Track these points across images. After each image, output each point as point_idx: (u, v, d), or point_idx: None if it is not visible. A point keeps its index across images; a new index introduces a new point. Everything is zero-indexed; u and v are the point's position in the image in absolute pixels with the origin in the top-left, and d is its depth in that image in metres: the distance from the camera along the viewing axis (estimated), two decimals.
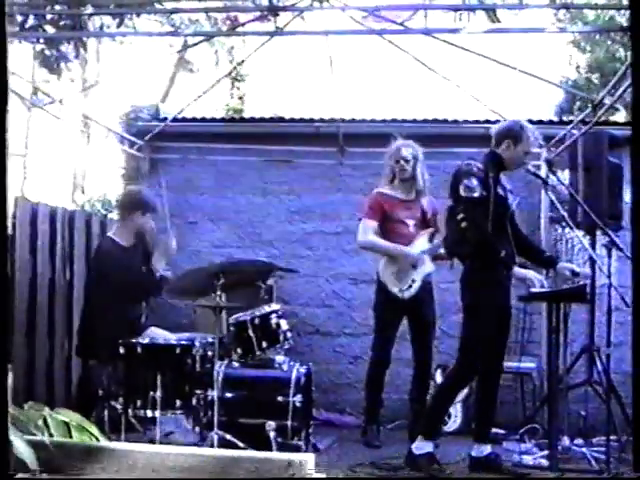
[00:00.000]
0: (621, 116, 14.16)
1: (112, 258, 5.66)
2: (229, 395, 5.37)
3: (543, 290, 5.41)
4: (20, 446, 2.68)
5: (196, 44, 9.41)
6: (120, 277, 5.53)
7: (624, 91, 6.20)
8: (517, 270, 5.12)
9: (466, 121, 7.81)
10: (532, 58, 14.35)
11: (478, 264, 5.14)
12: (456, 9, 5.99)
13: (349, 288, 7.75)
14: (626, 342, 7.09)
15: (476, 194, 5.06)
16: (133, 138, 7.84)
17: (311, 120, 7.96)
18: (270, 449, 5.14)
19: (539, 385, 6.89)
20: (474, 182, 5.07)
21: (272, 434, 5.22)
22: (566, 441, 5.72)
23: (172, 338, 5.57)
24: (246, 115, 11.03)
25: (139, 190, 6.31)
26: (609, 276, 5.43)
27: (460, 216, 5.10)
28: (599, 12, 12.43)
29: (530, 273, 5.14)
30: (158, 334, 5.68)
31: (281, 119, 8.21)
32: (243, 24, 7.03)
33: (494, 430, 5.65)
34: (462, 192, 5.10)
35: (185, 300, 6.62)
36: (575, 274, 5.32)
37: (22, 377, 5.86)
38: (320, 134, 7.73)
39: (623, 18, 12.40)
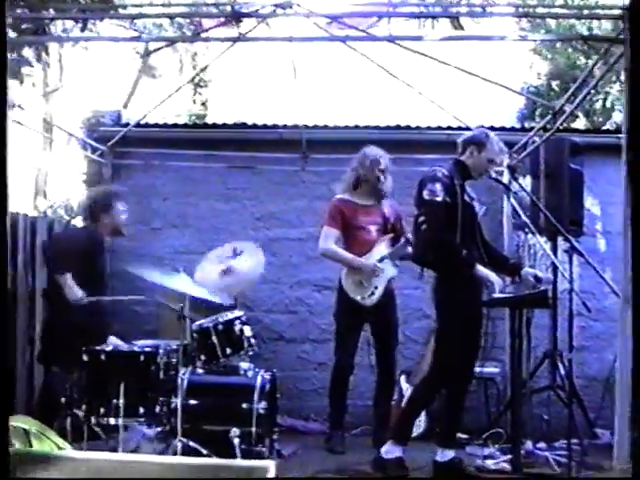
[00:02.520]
0: (581, 123, 14.34)
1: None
2: (193, 402, 5.33)
3: (505, 295, 5.45)
4: None
5: (159, 49, 9.38)
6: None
7: (583, 98, 6.29)
8: (479, 269, 5.14)
9: (429, 128, 7.85)
10: (495, 65, 14.50)
11: (446, 270, 5.18)
12: (419, 17, 6.02)
13: (313, 295, 7.75)
14: (588, 347, 7.23)
15: (439, 198, 5.09)
16: (95, 144, 7.78)
17: (274, 126, 7.96)
18: (234, 456, 5.12)
19: (503, 390, 6.94)
20: (438, 187, 5.11)
21: (236, 441, 5.19)
22: (529, 445, 5.77)
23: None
24: (209, 121, 11.00)
25: (100, 191, 6.29)
26: (571, 281, 5.49)
27: (421, 219, 5.14)
28: (560, 21, 12.57)
29: (491, 275, 5.17)
30: (118, 343, 5.63)
31: (244, 125, 8.19)
32: (207, 30, 7.01)
33: (458, 435, 5.68)
34: (425, 196, 5.14)
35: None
36: (538, 279, 5.36)
37: None
38: (283, 140, 7.73)
39: (583, 27, 12.58)
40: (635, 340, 2.72)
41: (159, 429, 5.23)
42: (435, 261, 5.21)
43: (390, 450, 5.20)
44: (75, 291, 5.55)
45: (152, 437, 5.20)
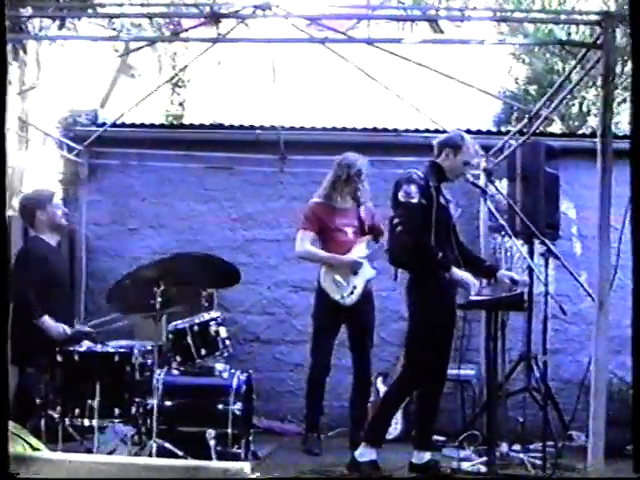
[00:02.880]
0: (557, 127, 14.42)
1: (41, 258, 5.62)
2: (168, 403, 5.31)
3: (481, 298, 5.47)
4: None
5: (138, 49, 9.33)
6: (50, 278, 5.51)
7: (560, 102, 6.32)
8: (455, 271, 5.16)
9: (406, 130, 7.86)
10: (473, 69, 14.54)
11: (420, 272, 5.19)
12: (399, 20, 6.04)
13: (290, 295, 7.74)
14: (562, 349, 7.27)
15: (414, 200, 5.11)
16: (72, 143, 7.73)
17: (252, 127, 7.94)
18: (210, 457, 5.11)
19: (478, 392, 6.96)
20: (413, 189, 5.13)
21: (212, 442, 5.18)
22: (504, 447, 5.80)
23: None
24: (186, 121, 10.96)
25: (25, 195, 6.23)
26: (546, 284, 5.52)
27: (396, 220, 5.15)
28: (538, 26, 12.65)
29: (467, 277, 5.19)
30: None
31: (221, 126, 8.17)
32: (186, 30, 6.99)
33: (434, 437, 5.70)
34: (401, 198, 5.15)
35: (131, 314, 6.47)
36: (514, 282, 5.39)
37: None
38: (261, 141, 7.72)
39: (561, 32, 12.66)
40: (635, 338, 2.73)
41: (134, 430, 5.21)
42: (410, 262, 5.22)
43: (364, 453, 5.21)
44: (54, 329, 5.50)
45: (127, 438, 5.17)
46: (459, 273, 5.17)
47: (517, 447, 5.94)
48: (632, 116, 2.87)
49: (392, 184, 5.38)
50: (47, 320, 5.49)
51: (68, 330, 5.54)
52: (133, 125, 8.06)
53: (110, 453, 4.99)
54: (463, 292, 5.37)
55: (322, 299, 6.20)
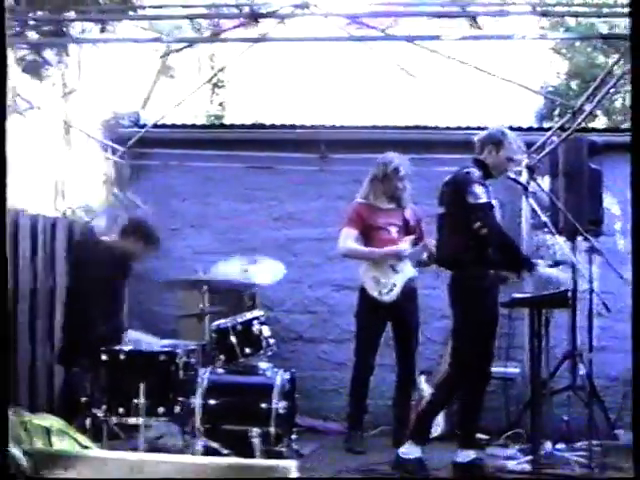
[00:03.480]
0: (600, 122, 14.26)
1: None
2: (213, 402, 5.35)
3: (525, 295, 5.44)
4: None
5: (179, 50, 9.41)
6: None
7: (602, 97, 6.25)
8: (541, 268, 5.16)
9: (447, 128, 7.83)
10: (513, 65, 14.45)
11: (470, 271, 5.17)
12: (437, 16, 6.01)
13: (332, 294, 7.75)
14: (608, 347, 7.19)
15: (483, 200, 5.10)
16: (114, 145, 7.81)
17: (292, 126, 7.96)
18: (253, 456, 5.13)
19: (522, 390, 6.91)
20: (478, 189, 5.11)
21: (255, 440, 5.20)
22: (549, 446, 5.75)
23: (151, 341, 5.56)
24: (227, 122, 11.02)
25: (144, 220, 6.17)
26: (590, 281, 5.47)
27: (477, 224, 5.10)
28: (580, 19, 12.51)
29: (557, 273, 5.19)
30: (138, 337, 5.64)
31: (262, 126, 8.20)
32: (225, 30, 7.03)
33: (478, 435, 5.67)
34: (470, 200, 5.10)
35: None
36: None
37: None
38: (301, 140, 7.73)
39: (603, 26, 12.51)
40: (635, 338, 2.70)
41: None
42: (468, 262, 5.18)
43: (409, 450, 5.20)
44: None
45: (175, 431, 5.20)
46: (548, 270, 5.17)
47: (562, 446, 5.89)
48: (632, 114, 2.83)
49: (432, 182, 5.37)
50: (132, 333, 5.58)
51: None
52: (174, 126, 8.13)
53: (158, 439, 5.03)
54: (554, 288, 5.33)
55: (362, 297, 6.21)
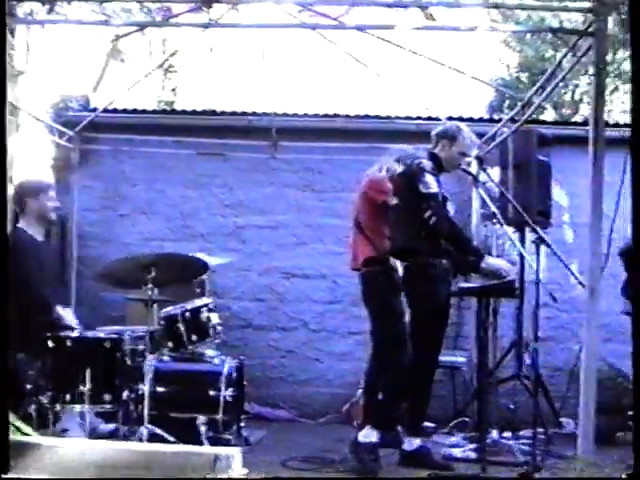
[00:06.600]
0: (550, 115, 14.42)
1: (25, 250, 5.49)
2: (160, 389, 5.32)
3: (472, 285, 5.47)
4: None
5: (128, 34, 9.28)
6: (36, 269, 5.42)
7: (552, 90, 6.32)
8: (488, 258, 5.19)
9: (398, 117, 7.85)
10: (466, 56, 14.52)
11: (423, 260, 5.19)
12: (390, 6, 6.01)
13: (282, 282, 7.74)
14: (554, 337, 7.29)
15: (434, 190, 5.13)
16: (63, 128, 7.70)
17: (244, 113, 7.93)
18: (201, 443, 5.12)
19: (469, 379, 6.97)
20: (429, 178, 5.14)
21: (203, 428, 5.19)
22: (495, 434, 5.81)
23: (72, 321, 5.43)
24: (178, 107, 10.92)
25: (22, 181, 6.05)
26: (537, 272, 5.53)
27: (428, 213, 5.11)
28: (530, 13, 12.62)
29: (502, 263, 5.22)
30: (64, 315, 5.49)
31: (213, 112, 8.15)
32: (176, 15, 6.95)
33: (425, 423, 5.70)
34: (422, 189, 5.13)
35: (116, 290, 6.45)
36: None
37: None
38: (253, 128, 7.70)
39: (554, 19, 12.65)
40: (635, 338, 2.75)
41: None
42: (422, 252, 5.19)
43: (367, 434, 5.20)
44: (69, 319, 5.43)
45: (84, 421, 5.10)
46: (493, 261, 5.20)
47: (507, 434, 5.96)
48: (632, 114, 2.87)
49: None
50: (59, 310, 5.44)
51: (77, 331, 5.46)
52: (125, 111, 8.04)
53: (63, 431, 4.95)
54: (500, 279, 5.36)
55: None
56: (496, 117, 9.45)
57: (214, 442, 5.15)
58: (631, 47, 2.95)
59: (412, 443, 5.30)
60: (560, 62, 6.17)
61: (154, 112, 8.85)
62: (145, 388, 5.09)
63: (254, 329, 7.72)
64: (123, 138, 7.74)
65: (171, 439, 4.96)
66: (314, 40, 6.41)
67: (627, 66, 13.84)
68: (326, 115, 7.95)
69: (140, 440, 4.86)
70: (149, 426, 4.95)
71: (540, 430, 5.49)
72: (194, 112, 8.24)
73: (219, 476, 2.71)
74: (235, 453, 2.78)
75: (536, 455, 5.11)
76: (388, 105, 8.42)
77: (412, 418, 5.43)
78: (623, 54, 13.68)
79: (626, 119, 10.73)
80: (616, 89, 14.51)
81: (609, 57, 12.58)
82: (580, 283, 5.03)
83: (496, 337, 6.16)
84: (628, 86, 14.23)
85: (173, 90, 15.41)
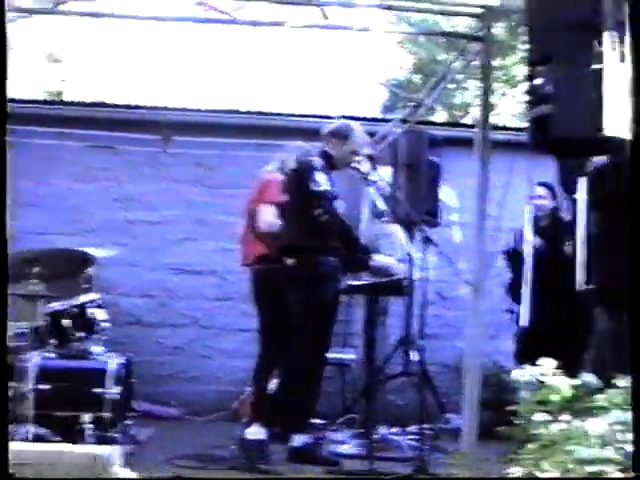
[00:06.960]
0: (442, 116, 14.71)
1: None
2: (43, 387, 5.18)
3: (361, 283, 5.53)
4: None
5: (13, 20, 9.00)
6: None
7: (440, 92, 6.45)
8: (377, 257, 5.24)
9: (292, 114, 7.87)
10: (362, 57, 14.68)
11: (312, 258, 5.20)
12: (281, 2, 6.01)
13: (171, 278, 7.65)
14: (441, 334, 7.42)
15: (324, 187, 5.15)
16: None
17: (136, 107, 7.81)
18: (85, 442, 5.01)
19: (358, 376, 7.03)
20: (320, 177, 5.17)
21: (87, 427, 5.08)
22: (383, 430, 5.88)
23: None
24: (67, 98, 10.67)
25: None
26: (424, 270, 5.62)
27: (318, 211, 5.13)
28: (426, 16, 12.83)
29: (389, 260, 5.28)
30: None
31: (104, 104, 7.99)
32: (65, 2, 6.80)
33: (314, 420, 5.73)
34: (312, 187, 5.15)
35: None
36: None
37: None
38: (145, 121, 7.57)
39: (448, 23, 12.90)
40: (635, 338, 2.81)
41: None
42: (311, 250, 5.21)
43: (254, 432, 5.19)
44: None
45: None
46: (382, 259, 5.25)
47: (395, 430, 6.04)
48: (633, 114, 2.95)
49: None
50: None
51: None
52: (11, 100, 7.75)
53: None
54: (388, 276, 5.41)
55: None
56: (389, 117, 9.57)
57: (100, 441, 5.05)
58: (631, 55, 3.02)
59: (300, 439, 5.31)
60: (450, 65, 6.29)
61: (43, 102, 8.62)
62: (28, 386, 4.96)
63: (143, 326, 7.61)
64: (9, 129, 7.48)
65: (54, 438, 4.84)
66: (209, 34, 6.36)
67: (516, 71, 14.24)
68: (220, 110, 7.90)
69: (25, 440, 4.74)
70: (32, 425, 4.83)
71: (427, 426, 5.58)
72: (83, 104, 8.07)
73: (101, 476, 2.66)
74: (113, 451, 2.73)
75: (422, 449, 5.20)
76: (284, 102, 8.43)
77: (300, 415, 5.44)
78: (513, 60, 14.07)
79: (515, 123, 11.04)
80: (504, 94, 14.91)
81: (498, 62, 12.91)
82: (466, 281, 5.13)
83: (385, 335, 6.22)
84: (517, 90, 14.65)
85: (63, 81, 15.07)
